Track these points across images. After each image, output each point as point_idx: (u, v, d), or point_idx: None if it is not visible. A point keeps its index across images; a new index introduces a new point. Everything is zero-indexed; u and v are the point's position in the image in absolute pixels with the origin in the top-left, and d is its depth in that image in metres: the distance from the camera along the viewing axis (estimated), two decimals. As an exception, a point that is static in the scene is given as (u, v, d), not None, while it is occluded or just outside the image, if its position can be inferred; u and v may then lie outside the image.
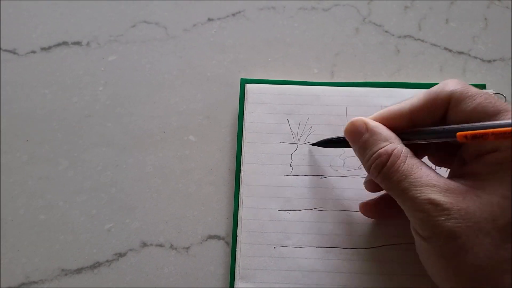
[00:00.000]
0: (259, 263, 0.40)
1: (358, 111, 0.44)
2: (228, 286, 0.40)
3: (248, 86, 0.46)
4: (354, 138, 0.35)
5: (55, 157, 0.45)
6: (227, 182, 0.44)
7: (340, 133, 0.43)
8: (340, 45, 0.50)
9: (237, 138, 0.44)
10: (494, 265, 0.27)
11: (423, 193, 0.29)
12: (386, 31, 0.50)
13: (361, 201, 0.40)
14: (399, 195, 0.31)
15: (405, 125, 0.34)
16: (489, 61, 0.49)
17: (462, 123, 0.31)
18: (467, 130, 0.29)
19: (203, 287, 0.41)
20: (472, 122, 0.30)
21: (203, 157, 0.45)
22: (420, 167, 0.31)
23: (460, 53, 0.49)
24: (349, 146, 0.37)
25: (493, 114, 0.30)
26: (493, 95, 0.32)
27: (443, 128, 0.32)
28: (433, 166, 0.37)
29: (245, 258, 0.40)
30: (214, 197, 0.44)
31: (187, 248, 0.42)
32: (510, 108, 0.30)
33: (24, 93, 0.48)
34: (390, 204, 0.35)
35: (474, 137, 0.29)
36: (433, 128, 0.33)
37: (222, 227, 0.43)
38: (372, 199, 0.40)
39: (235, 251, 0.41)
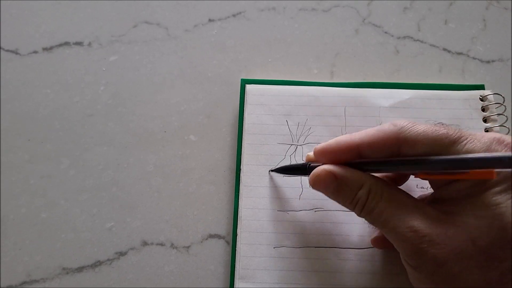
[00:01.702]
0: (259, 263, 0.40)
1: (357, 111, 0.44)
2: (228, 286, 0.41)
3: (247, 87, 0.46)
4: (324, 188, 0.34)
5: (56, 156, 0.46)
6: (227, 181, 0.45)
7: (338, 133, 0.44)
8: (340, 45, 0.50)
9: (237, 139, 0.45)
10: (482, 286, 0.28)
11: (403, 221, 0.30)
12: (386, 32, 0.51)
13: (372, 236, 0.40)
14: (383, 227, 0.32)
15: (351, 158, 0.34)
16: (488, 62, 0.49)
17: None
18: (421, 165, 0.30)
19: (204, 286, 0.41)
20: (430, 155, 0.30)
21: (203, 157, 0.46)
22: (397, 196, 0.32)
23: (459, 53, 0.50)
24: (307, 174, 0.36)
25: (450, 145, 0.30)
26: (441, 124, 0.32)
27: (403, 159, 0.32)
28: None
29: (244, 258, 0.40)
30: (214, 197, 0.44)
31: (188, 247, 0.43)
32: (464, 135, 0.30)
33: (26, 93, 0.48)
34: None
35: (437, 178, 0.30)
36: (392, 158, 0.32)
37: (222, 226, 0.43)
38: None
39: (235, 250, 0.41)
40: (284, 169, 0.41)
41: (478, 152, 0.29)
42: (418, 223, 0.29)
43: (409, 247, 0.29)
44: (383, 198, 0.31)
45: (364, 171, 0.33)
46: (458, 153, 0.29)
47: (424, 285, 0.31)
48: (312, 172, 0.34)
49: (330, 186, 0.33)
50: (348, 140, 0.33)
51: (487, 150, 0.29)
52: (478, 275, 0.28)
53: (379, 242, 0.39)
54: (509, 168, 0.26)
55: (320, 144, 0.35)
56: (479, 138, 0.30)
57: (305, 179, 0.43)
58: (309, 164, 0.37)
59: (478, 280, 0.28)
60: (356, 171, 0.33)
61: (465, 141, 0.30)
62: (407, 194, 0.32)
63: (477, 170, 0.27)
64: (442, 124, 0.32)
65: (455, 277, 0.28)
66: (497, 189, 0.29)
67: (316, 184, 0.34)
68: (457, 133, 0.30)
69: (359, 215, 0.33)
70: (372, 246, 0.40)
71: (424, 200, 0.34)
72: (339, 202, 0.34)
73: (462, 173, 0.28)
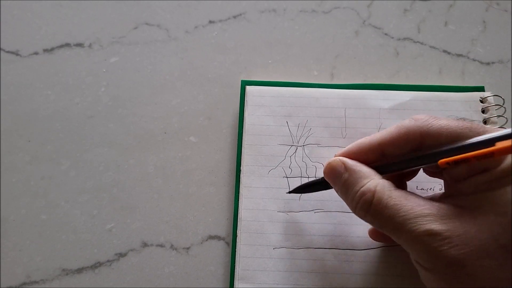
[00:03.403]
0: (259, 264, 0.40)
1: (357, 113, 0.44)
2: (228, 287, 0.41)
3: (248, 88, 0.46)
4: (334, 179, 0.34)
5: (57, 157, 0.46)
6: (227, 183, 0.45)
7: (339, 134, 0.44)
8: (340, 47, 0.50)
9: (237, 140, 0.45)
10: (500, 285, 0.27)
11: (420, 224, 0.28)
12: (386, 34, 0.51)
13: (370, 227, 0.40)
14: (394, 231, 0.30)
15: (375, 158, 0.34)
16: (488, 64, 0.49)
17: None
18: (447, 154, 0.29)
19: (203, 287, 0.41)
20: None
21: (203, 158, 0.46)
22: (408, 198, 0.30)
23: (459, 55, 0.50)
24: (328, 188, 0.36)
25: (474, 136, 0.29)
26: (463, 119, 0.31)
27: (424, 154, 0.31)
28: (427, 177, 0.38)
29: (244, 259, 0.40)
30: (214, 198, 0.44)
31: (188, 248, 0.43)
32: (488, 129, 0.30)
33: (27, 94, 0.48)
34: None
35: (457, 162, 0.29)
36: (412, 155, 0.32)
37: (222, 228, 0.43)
38: None
39: (235, 251, 0.41)
40: (302, 187, 0.40)
41: None
42: (436, 226, 0.28)
43: (424, 249, 0.28)
44: (393, 199, 0.30)
45: (382, 173, 0.33)
46: None
47: (438, 285, 0.30)
48: (327, 162, 0.35)
49: (340, 177, 0.34)
50: (369, 141, 0.34)
51: None
52: (497, 273, 0.27)
53: (378, 234, 0.39)
54: None
55: (342, 150, 0.35)
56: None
57: (305, 180, 0.43)
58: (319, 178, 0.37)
59: (497, 278, 0.27)
60: (367, 167, 0.33)
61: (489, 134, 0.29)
62: (417, 194, 0.31)
63: (503, 145, 0.27)
64: (464, 119, 0.31)
65: (473, 276, 0.27)
66: None
67: (327, 173, 0.35)
68: (480, 127, 0.30)
69: (364, 216, 0.32)
70: (371, 246, 0.40)
71: (435, 198, 0.32)
72: (345, 199, 0.34)
73: (488, 155, 0.27)
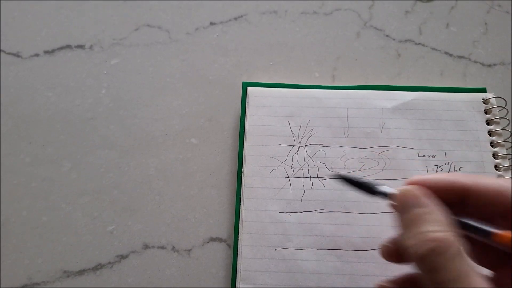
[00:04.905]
0: (260, 265, 0.40)
1: (359, 113, 0.44)
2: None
3: (249, 89, 0.46)
4: (404, 207, 0.28)
5: (58, 159, 0.46)
6: (228, 184, 0.44)
7: (341, 134, 0.44)
8: (341, 49, 0.50)
9: (239, 140, 0.45)
10: None
11: None
12: (387, 36, 0.51)
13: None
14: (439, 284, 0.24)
15: (452, 201, 0.28)
16: (489, 65, 0.49)
17: None
18: None
19: (205, 289, 0.41)
20: None
21: (205, 160, 0.45)
22: (473, 273, 0.24)
23: (461, 57, 0.50)
24: (366, 192, 0.31)
25: None
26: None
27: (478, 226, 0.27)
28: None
29: (246, 260, 0.40)
30: (216, 200, 0.44)
31: (189, 250, 0.42)
32: None
33: (28, 96, 0.48)
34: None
35: None
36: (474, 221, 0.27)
37: (223, 230, 0.43)
38: (400, 278, 0.32)
39: (237, 253, 0.41)
40: (351, 180, 0.33)
41: None
42: None
43: None
44: (460, 264, 0.24)
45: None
46: None
47: None
48: (404, 187, 0.29)
49: (414, 207, 0.28)
50: (453, 179, 0.28)
51: None
52: None
53: (391, 254, 0.32)
54: None
55: (421, 175, 0.30)
56: None
57: (307, 180, 0.43)
58: (375, 185, 0.31)
59: None
60: (447, 216, 0.27)
61: None
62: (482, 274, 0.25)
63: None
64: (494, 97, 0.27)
65: None
66: None
67: (401, 197, 0.29)
68: None
69: (417, 260, 0.26)
70: (374, 247, 0.40)
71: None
72: (406, 231, 0.27)
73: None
